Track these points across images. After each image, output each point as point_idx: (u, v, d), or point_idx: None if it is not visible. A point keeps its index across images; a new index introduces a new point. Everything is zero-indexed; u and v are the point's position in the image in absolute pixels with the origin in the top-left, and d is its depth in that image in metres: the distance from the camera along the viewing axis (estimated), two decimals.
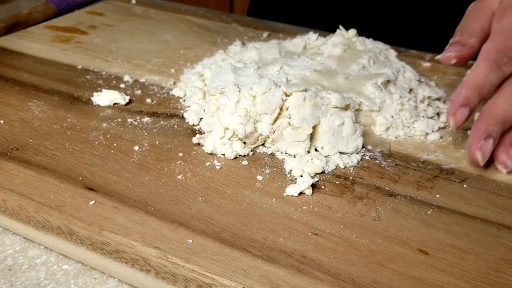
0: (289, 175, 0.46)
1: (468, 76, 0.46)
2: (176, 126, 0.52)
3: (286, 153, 0.48)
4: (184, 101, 0.57)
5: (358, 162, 0.48)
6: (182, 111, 0.55)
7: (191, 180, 0.45)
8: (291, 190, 0.43)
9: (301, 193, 0.43)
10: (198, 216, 0.41)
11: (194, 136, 0.50)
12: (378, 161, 0.48)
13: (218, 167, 0.46)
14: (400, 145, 0.50)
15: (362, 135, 0.50)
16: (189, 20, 0.78)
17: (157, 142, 0.50)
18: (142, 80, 0.61)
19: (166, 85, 0.60)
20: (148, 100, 0.57)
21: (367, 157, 0.48)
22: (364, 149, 0.49)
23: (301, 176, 0.45)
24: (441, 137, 0.52)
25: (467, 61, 0.50)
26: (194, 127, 0.52)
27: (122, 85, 0.60)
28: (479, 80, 0.45)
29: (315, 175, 0.46)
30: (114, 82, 0.60)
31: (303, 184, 0.43)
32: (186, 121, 0.53)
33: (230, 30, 0.75)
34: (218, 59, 0.64)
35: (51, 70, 0.63)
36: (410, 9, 0.79)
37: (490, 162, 0.47)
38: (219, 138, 0.48)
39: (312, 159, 0.47)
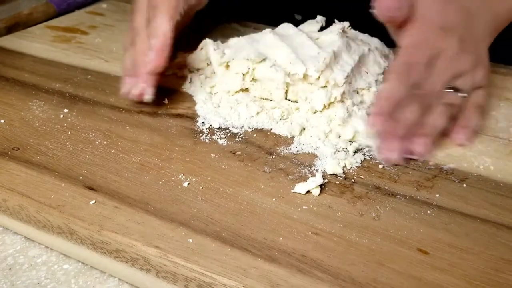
0: (290, 176, 0.46)
1: (385, 92, 0.49)
2: (176, 126, 0.52)
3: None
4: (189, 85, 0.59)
5: (361, 162, 0.48)
6: (182, 111, 0.55)
7: (191, 180, 0.45)
8: (300, 188, 0.43)
9: (305, 192, 0.44)
10: (198, 216, 0.41)
11: (194, 135, 0.50)
12: (378, 161, 0.48)
13: (218, 167, 0.46)
14: None
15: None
16: None
17: (157, 142, 0.50)
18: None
19: (166, 85, 0.60)
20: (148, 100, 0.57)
21: (367, 157, 0.48)
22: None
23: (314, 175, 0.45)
24: None
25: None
26: (194, 127, 0.52)
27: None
28: (391, 91, 0.48)
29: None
30: (114, 81, 0.60)
31: (313, 183, 0.43)
32: (186, 120, 0.53)
33: (229, 30, 0.75)
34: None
35: (51, 70, 0.63)
36: None
37: (492, 164, 0.48)
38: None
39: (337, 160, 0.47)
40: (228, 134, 0.51)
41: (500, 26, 0.57)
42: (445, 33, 0.50)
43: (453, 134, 0.51)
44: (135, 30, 0.57)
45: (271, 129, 0.52)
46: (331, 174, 0.46)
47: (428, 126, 0.49)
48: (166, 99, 0.57)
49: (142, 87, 0.53)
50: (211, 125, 0.52)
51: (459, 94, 0.50)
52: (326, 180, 0.45)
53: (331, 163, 0.46)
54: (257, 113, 0.53)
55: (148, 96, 0.53)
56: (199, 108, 0.55)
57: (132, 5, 0.59)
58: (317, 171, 0.46)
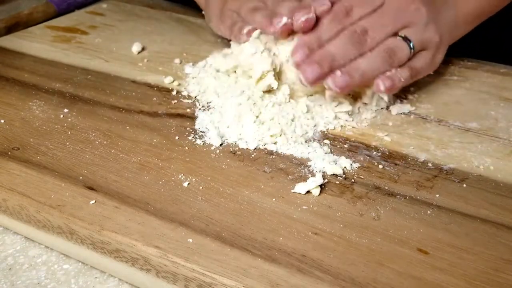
0: (290, 176, 0.46)
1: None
2: (176, 126, 0.52)
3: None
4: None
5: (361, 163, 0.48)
6: (182, 111, 0.55)
7: (191, 180, 0.45)
8: (300, 188, 0.43)
9: (305, 192, 0.43)
10: (198, 216, 0.41)
11: (195, 135, 0.50)
12: (377, 161, 0.48)
13: (218, 167, 0.47)
14: (400, 145, 0.50)
15: None
16: (189, 21, 0.78)
17: (158, 142, 0.50)
18: (142, 80, 0.61)
19: (166, 85, 0.60)
20: (148, 100, 0.57)
21: (367, 157, 0.48)
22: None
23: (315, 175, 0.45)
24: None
25: None
26: (194, 127, 0.52)
27: (122, 85, 0.60)
28: (322, 31, 0.52)
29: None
30: (114, 81, 0.60)
31: (313, 183, 0.43)
32: (186, 120, 0.53)
33: None
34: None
35: (51, 70, 0.63)
36: None
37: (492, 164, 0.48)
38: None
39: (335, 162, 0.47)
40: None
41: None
42: None
43: (376, 79, 0.52)
44: None
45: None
46: (331, 174, 0.46)
47: (355, 65, 0.51)
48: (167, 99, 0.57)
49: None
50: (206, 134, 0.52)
51: (407, 42, 0.52)
52: (326, 180, 0.45)
53: (330, 164, 0.46)
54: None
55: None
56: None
57: None
58: (317, 171, 0.46)
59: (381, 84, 0.52)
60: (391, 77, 0.52)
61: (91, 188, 0.43)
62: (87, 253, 0.40)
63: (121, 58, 0.66)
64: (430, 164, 0.48)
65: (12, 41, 0.70)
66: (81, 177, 0.45)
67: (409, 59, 0.54)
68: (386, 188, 0.44)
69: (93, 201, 0.42)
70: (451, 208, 0.42)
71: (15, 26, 0.74)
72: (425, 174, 0.46)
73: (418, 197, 0.43)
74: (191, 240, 0.38)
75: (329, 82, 0.50)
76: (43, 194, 0.43)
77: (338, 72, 0.50)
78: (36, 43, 0.70)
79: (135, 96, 0.58)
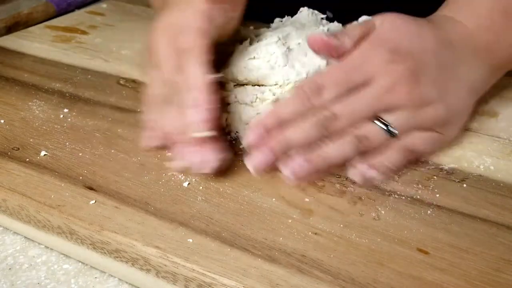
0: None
1: (277, 106, 0.46)
2: None
3: None
4: None
5: None
6: None
7: (191, 180, 0.45)
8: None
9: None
10: (198, 216, 0.41)
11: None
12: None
13: (218, 167, 0.46)
14: None
15: None
16: None
17: None
18: (142, 80, 0.61)
19: None
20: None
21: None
22: None
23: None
24: None
25: None
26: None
27: (122, 85, 0.60)
28: (285, 111, 0.44)
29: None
30: (114, 82, 0.60)
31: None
32: None
33: None
34: None
35: (51, 70, 0.63)
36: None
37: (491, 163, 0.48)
38: None
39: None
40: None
41: (498, 74, 0.53)
42: (393, 57, 0.44)
43: (353, 170, 0.44)
44: (167, 85, 0.47)
45: None
46: (335, 175, 0.46)
47: (320, 154, 0.43)
48: None
49: (203, 155, 0.44)
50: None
51: (386, 128, 0.44)
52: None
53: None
54: None
55: (214, 163, 0.44)
56: None
57: (152, 52, 0.48)
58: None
59: (359, 176, 0.44)
60: (375, 164, 0.44)
61: (91, 188, 0.43)
62: (87, 253, 0.40)
63: (121, 58, 0.66)
64: (430, 164, 0.48)
65: (12, 41, 0.70)
66: (81, 177, 0.45)
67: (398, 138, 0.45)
68: (386, 188, 0.44)
69: (93, 201, 0.42)
70: (451, 208, 0.42)
71: (15, 26, 0.74)
72: (425, 174, 0.46)
73: (418, 197, 0.43)
74: (191, 240, 0.38)
75: (285, 170, 0.43)
76: (43, 194, 0.43)
77: (298, 159, 0.42)
78: (36, 43, 0.70)
79: (135, 96, 0.58)
